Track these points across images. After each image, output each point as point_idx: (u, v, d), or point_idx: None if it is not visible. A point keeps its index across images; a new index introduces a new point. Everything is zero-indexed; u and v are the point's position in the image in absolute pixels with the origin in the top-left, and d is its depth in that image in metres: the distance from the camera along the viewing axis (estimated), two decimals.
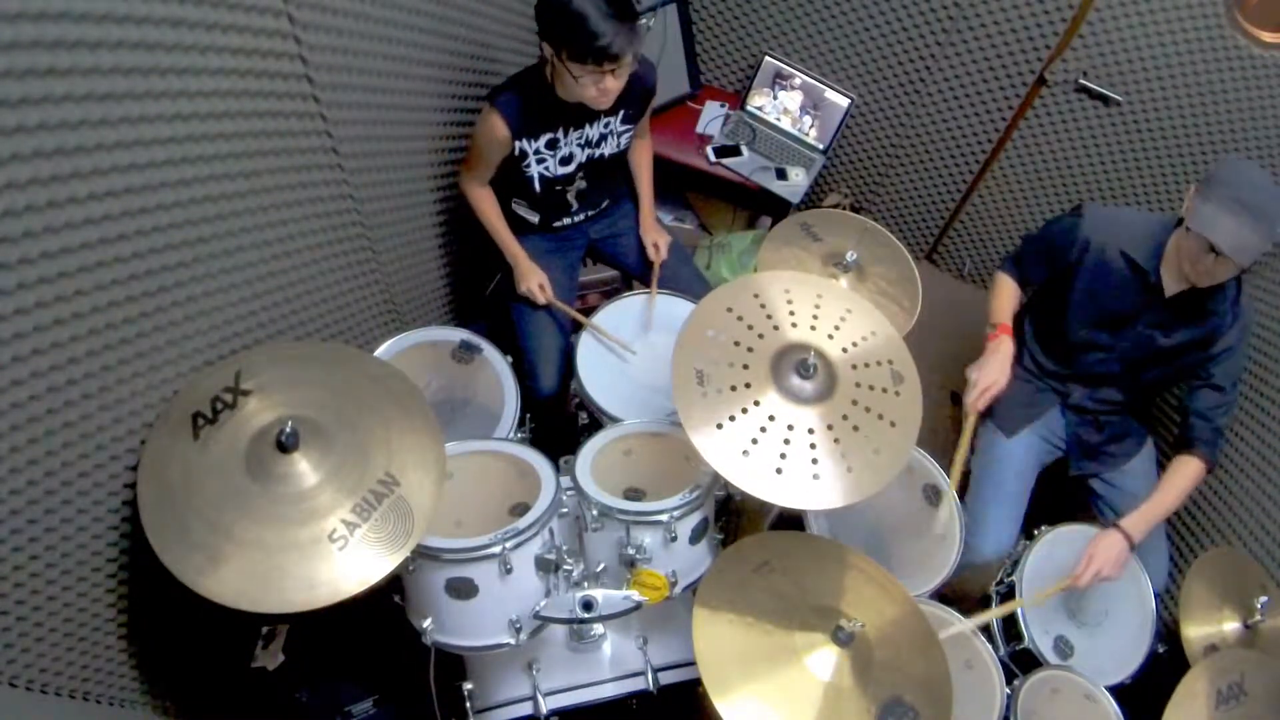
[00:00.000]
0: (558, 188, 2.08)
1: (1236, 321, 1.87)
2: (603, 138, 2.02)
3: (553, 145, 1.96)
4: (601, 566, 1.58)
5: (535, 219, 2.17)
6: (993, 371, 1.96)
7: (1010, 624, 1.85)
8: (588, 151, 2.02)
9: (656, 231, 2.27)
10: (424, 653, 1.56)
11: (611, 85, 1.76)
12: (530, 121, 1.90)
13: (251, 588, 1.22)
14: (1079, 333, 2.01)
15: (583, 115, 1.92)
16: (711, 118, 2.91)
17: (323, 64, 1.54)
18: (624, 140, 2.07)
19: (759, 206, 3.08)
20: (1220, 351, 1.88)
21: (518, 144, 1.92)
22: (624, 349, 2.06)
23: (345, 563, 1.25)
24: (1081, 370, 2.06)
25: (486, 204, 2.08)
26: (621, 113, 1.99)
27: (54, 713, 1.33)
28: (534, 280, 2.10)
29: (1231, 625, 1.75)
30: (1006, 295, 2.09)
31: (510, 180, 2.04)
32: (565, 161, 2.01)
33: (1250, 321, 1.90)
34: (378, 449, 1.38)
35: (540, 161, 1.98)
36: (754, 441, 1.39)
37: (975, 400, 1.95)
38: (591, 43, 1.65)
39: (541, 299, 2.09)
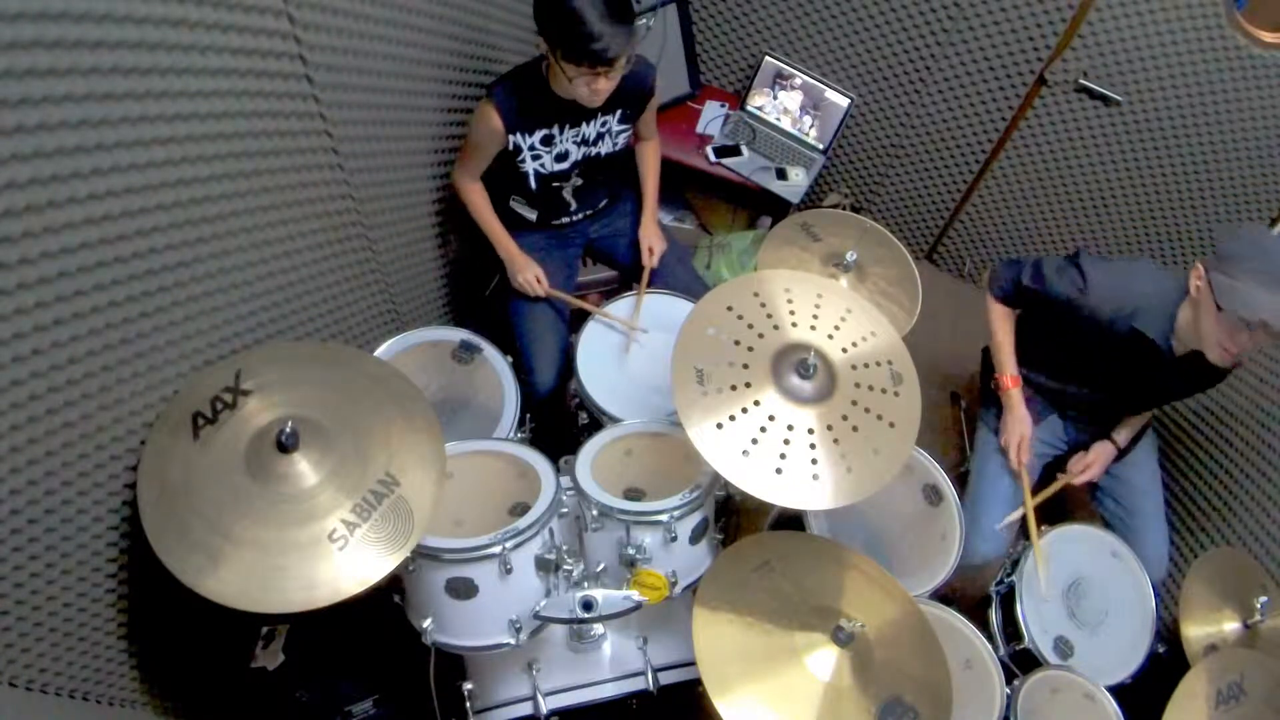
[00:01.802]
0: (554, 184, 2.08)
1: None
2: (599, 136, 2.02)
3: (548, 142, 1.96)
4: (601, 566, 1.58)
5: (533, 216, 2.17)
6: (1016, 427, 2.05)
7: (1010, 624, 1.85)
8: (584, 150, 2.02)
9: (655, 236, 2.25)
10: (424, 653, 1.56)
11: (603, 86, 1.76)
12: (525, 116, 1.90)
13: (251, 588, 1.22)
14: (1082, 385, 2.02)
15: (579, 113, 1.92)
16: (711, 118, 2.91)
17: (323, 64, 1.54)
18: (621, 140, 2.07)
19: (759, 206, 3.08)
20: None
21: (511, 138, 1.91)
22: (633, 330, 2.07)
23: (345, 563, 1.25)
24: (1079, 401, 2.08)
25: (478, 197, 2.07)
26: (619, 112, 1.99)
27: (54, 713, 1.33)
28: (529, 272, 2.08)
29: (1231, 625, 1.75)
30: (1008, 333, 2.07)
31: (507, 177, 2.04)
32: (561, 158, 2.01)
33: None
34: (378, 449, 1.38)
35: (536, 158, 1.98)
36: (754, 441, 1.39)
37: (1018, 457, 2.04)
38: (586, 44, 1.64)
39: (539, 290, 2.08)
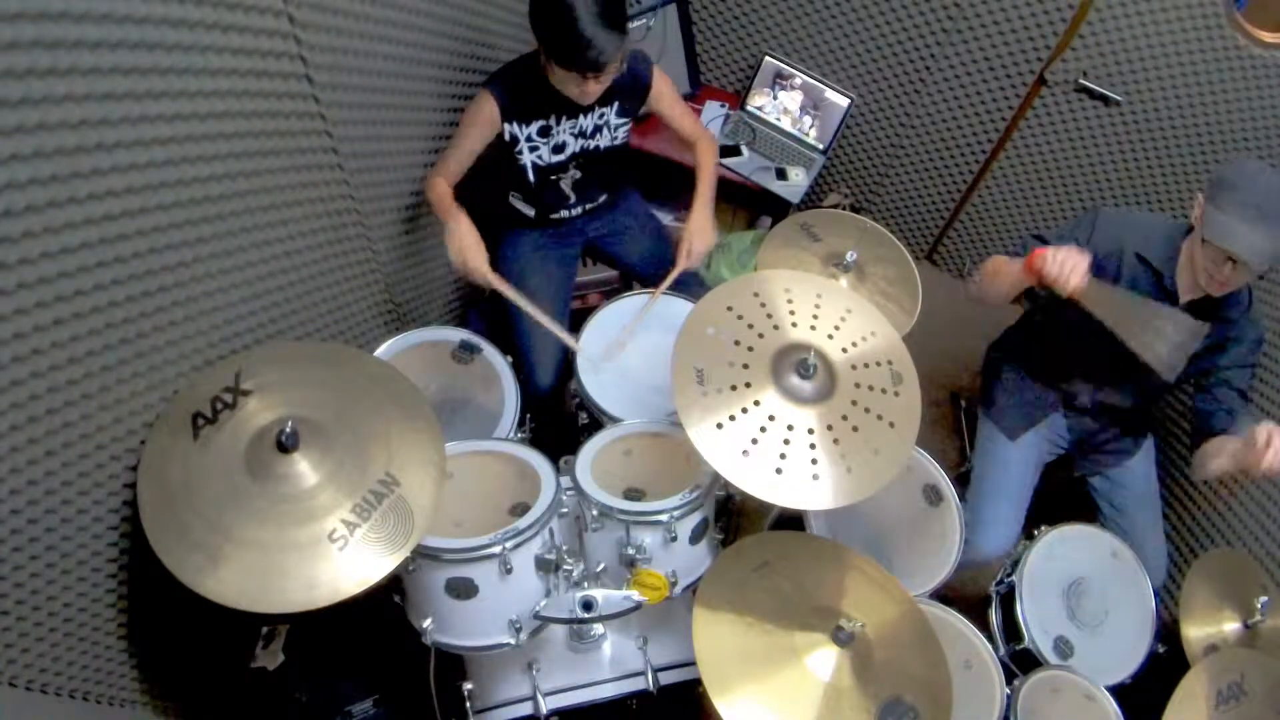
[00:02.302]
0: (551, 177, 2.08)
1: (1248, 319, 1.87)
2: (597, 129, 2.02)
3: (545, 132, 1.96)
4: (601, 566, 1.58)
5: (531, 212, 2.17)
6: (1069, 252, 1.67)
7: (1010, 624, 1.85)
8: (581, 142, 2.02)
9: (701, 231, 2.03)
10: (424, 653, 1.56)
11: (592, 89, 1.77)
12: (522, 106, 1.90)
13: (251, 587, 1.22)
14: (1090, 337, 2.01)
15: (577, 104, 1.92)
16: (711, 118, 2.91)
17: (323, 64, 1.54)
18: (620, 134, 2.06)
19: (759, 206, 3.08)
20: (1233, 350, 1.88)
21: (508, 127, 1.91)
22: (572, 344, 1.96)
23: (345, 563, 1.25)
24: (1089, 371, 2.06)
25: (437, 186, 1.90)
26: (616, 105, 1.99)
27: (54, 713, 1.33)
28: (467, 253, 1.81)
29: (1231, 625, 1.75)
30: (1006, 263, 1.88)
31: (505, 171, 2.03)
32: (558, 150, 2.01)
33: (1260, 317, 1.90)
34: (378, 449, 1.38)
35: (533, 149, 1.98)
36: (754, 441, 1.39)
37: (1063, 266, 1.66)
38: (578, 51, 1.66)
39: (475, 278, 1.84)
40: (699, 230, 2.04)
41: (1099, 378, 2.05)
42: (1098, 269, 1.85)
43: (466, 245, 1.83)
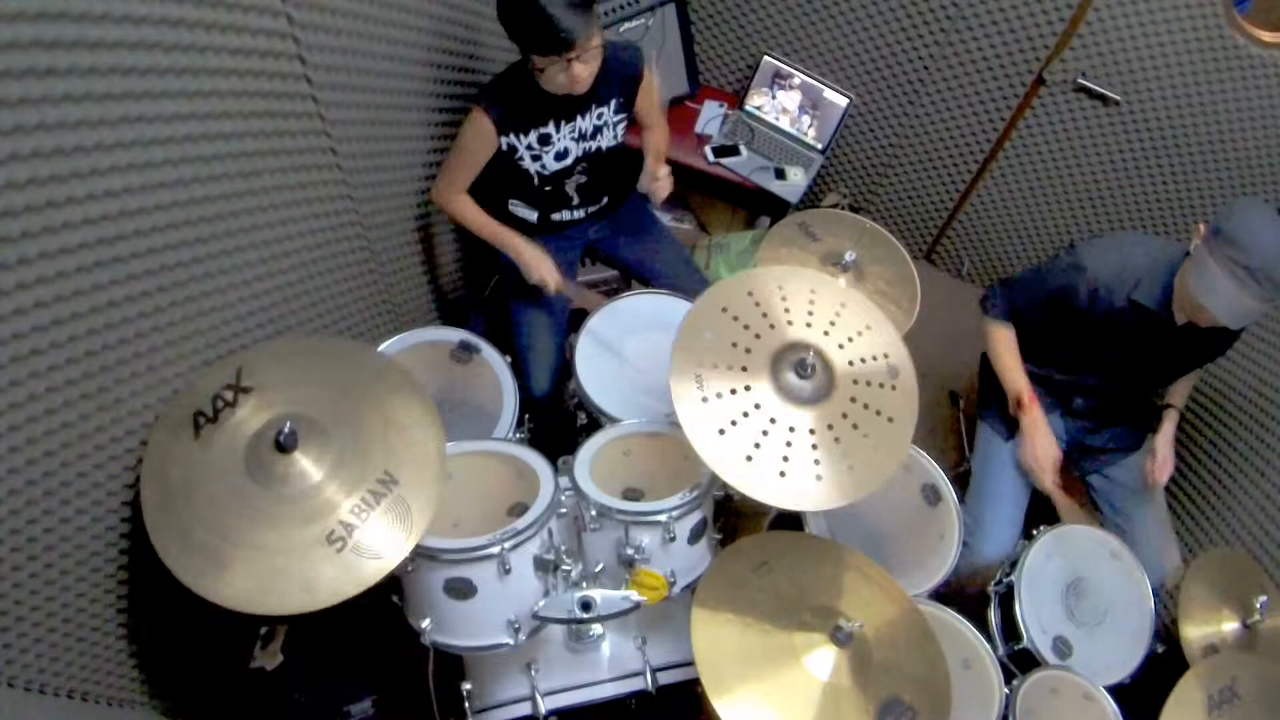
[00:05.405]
0: (555, 182, 2.07)
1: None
2: (597, 130, 2.01)
3: (545, 140, 1.95)
4: (600, 566, 1.58)
5: (534, 217, 2.16)
6: (1043, 446, 1.98)
7: (1009, 624, 1.85)
8: (583, 145, 2.01)
9: (660, 178, 2.11)
10: (423, 653, 1.56)
11: (579, 72, 1.74)
12: (516, 116, 1.89)
13: (250, 589, 1.22)
14: (1085, 369, 2.01)
15: (572, 107, 1.91)
16: (710, 117, 2.91)
17: (321, 64, 1.55)
18: (619, 131, 2.06)
19: (757, 206, 3.08)
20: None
21: (504, 139, 1.90)
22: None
23: (344, 564, 1.25)
24: (1084, 388, 2.07)
25: (469, 207, 2.02)
26: (613, 102, 1.98)
27: (54, 713, 1.34)
28: (543, 267, 1.99)
29: (1231, 625, 1.75)
30: (1014, 352, 2.03)
31: (506, 179, 2.03)
32: (560, 156, 2.00)
33: None
34: (377, 448, 1.38)
35: (535, 158, 1.97)
36: (757, 446, 1.39)
37: (1049, 481, 1.98)
38: (546, 32, 1.64)
39: (552, 287, 2.00)
40: (655, 175, 2.09)
41: (1103, 371, 2.04)
42: (1097, 307, 1.84)
43: (550, 268, 2.00)
